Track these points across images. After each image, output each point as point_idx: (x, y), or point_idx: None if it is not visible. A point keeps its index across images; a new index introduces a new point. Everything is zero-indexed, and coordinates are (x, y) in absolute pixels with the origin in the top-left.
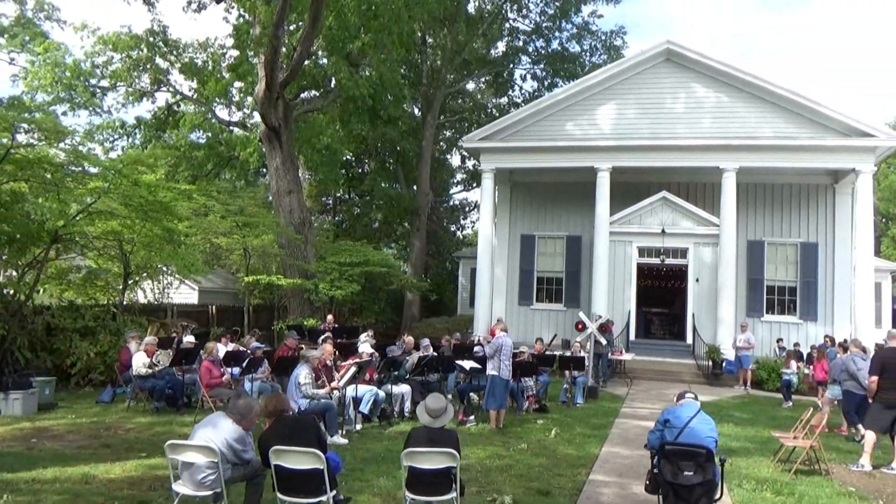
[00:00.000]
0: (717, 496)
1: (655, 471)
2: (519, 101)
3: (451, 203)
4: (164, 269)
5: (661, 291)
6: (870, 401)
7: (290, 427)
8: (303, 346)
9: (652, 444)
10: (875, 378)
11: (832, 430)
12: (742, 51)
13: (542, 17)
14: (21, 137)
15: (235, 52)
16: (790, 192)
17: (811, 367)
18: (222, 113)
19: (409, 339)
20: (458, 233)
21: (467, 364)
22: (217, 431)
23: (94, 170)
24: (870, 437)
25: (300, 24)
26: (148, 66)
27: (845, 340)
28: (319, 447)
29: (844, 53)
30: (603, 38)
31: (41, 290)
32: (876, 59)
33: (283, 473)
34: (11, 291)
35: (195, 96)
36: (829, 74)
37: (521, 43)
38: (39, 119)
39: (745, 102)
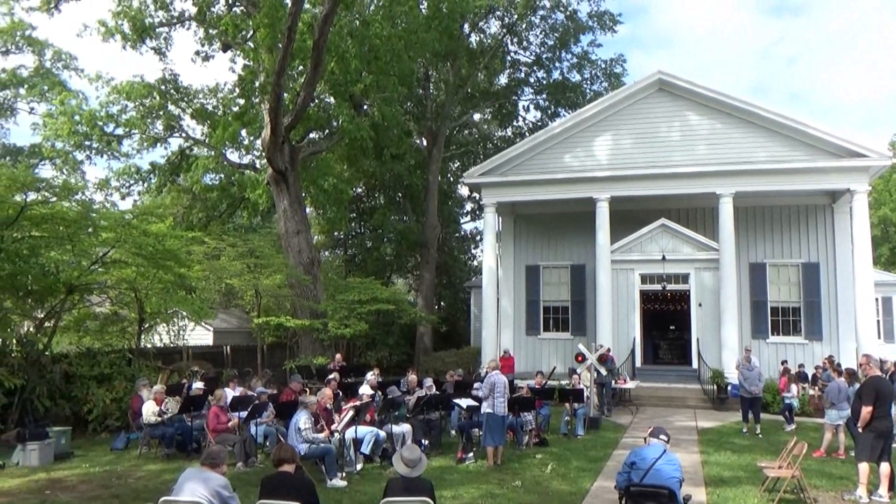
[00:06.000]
0: None
1: None
2: (524, 131)
3: (462, 233)
4: (178, 312)
5: (666, 316)
6: (859, 430)
7: (279, 482)
8: (307, 388)
9: (619, 485)
10: (870, 408)
11: (829, 454)
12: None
13: (542, 49)
14: (35, 194)
15: (243, 99)
16: (789, 214)
17: (816, 388)
18: (233, 156)
19: (413, 378)
20: (470, 262)
21: (464, 402)
22: (206, 483)
23: (104, 221)
24: (863, 468)
25: (303, 68)
26: (161, 113)
27: (839, 364)
28: (305, 500)
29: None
30: (603, 66)
31: (58, 341)
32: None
33: None
34: (31, 342)
35: (207, 140)
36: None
37: (522, 74)
38: (48, 179)
39: (738, 128)
